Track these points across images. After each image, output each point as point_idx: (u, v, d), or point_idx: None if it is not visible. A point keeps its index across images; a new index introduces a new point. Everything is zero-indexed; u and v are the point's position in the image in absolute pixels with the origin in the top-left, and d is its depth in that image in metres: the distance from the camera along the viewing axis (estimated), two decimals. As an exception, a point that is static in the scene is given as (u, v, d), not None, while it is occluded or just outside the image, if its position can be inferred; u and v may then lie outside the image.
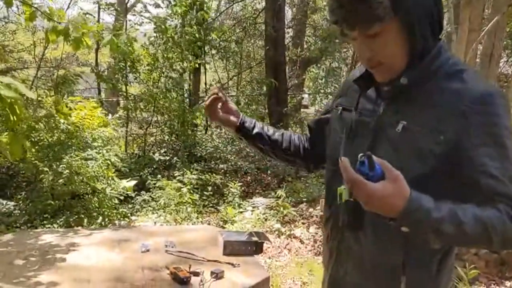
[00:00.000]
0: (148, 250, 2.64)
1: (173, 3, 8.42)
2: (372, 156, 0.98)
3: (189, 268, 2.28)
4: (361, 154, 1.10)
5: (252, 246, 2.57)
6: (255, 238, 2.62)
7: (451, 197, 1.02)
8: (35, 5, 3.46)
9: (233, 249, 2.54)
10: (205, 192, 6.47)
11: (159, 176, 6.64)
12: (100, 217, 5.18)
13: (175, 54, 8.20)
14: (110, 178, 5.38)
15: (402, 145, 1.11)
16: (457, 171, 1.06)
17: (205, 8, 8.49)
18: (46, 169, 5.19)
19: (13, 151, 2.61)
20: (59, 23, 3.18)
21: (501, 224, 0.99)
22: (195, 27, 8.21)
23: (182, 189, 5.84)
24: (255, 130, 1.48)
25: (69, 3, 11.76)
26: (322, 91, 13.05)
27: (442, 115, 1.07)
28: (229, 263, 2.41)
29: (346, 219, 1.21)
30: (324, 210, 1.41)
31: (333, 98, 1.44)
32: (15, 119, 2.52)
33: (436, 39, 1.14)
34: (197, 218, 5.65)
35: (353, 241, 1.23)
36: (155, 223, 5.17)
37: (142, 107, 8.27)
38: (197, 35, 8.13)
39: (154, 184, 6.18)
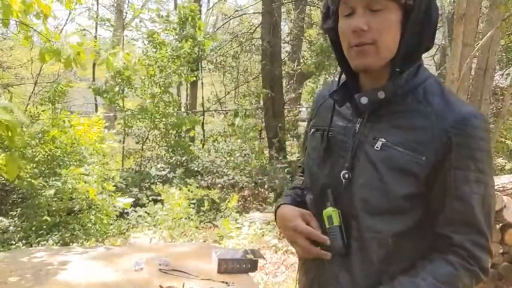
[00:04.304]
0: (141, 268, 2.61)
1: (164, 18, 8.54)
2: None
3: (183, 286, 2.26)
4: (344, 172, 1.12)
5: (246, 264, 2.54)
6: (249, 256, 2.58)
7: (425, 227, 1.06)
8: (32, 25, 3.48)
9: (227, 267, 2.50)
10: (201, 208, 6.43)
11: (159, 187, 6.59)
12: (96, 234, 5.14)
13: (171, 69, 8.24)
14: (106, 194, 5.36)
15: (382, 163, 1.05)
16: (430, 192, 1.05)
17: (197, 24, 8.58)
18: (43, 183, 5.17)
19: (9, 171, 2.64)
20: (54, 42, 3.22)
21: (457, 283, 1.03)
22: (189, 41, 8.27)
23: (182, 203, 5.77)
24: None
25: (67, 20, 11.84)
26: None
27: (424, 136, 1.03)
28: (223, 282, 2.38)
29: (338, 244, 1.11)
30: None
31: (307, 123, 1.35)
32: (12, 140, 2.55)
33: (420, 56, 1.10)
34: (194, 233, 5.60)
35: (339, 269, 1.13)
36: (150, 239, 5.13)
37: (139, 118, 8.25)
38: (192, 50, 8.18)
39: (149, 199, 6.14)
